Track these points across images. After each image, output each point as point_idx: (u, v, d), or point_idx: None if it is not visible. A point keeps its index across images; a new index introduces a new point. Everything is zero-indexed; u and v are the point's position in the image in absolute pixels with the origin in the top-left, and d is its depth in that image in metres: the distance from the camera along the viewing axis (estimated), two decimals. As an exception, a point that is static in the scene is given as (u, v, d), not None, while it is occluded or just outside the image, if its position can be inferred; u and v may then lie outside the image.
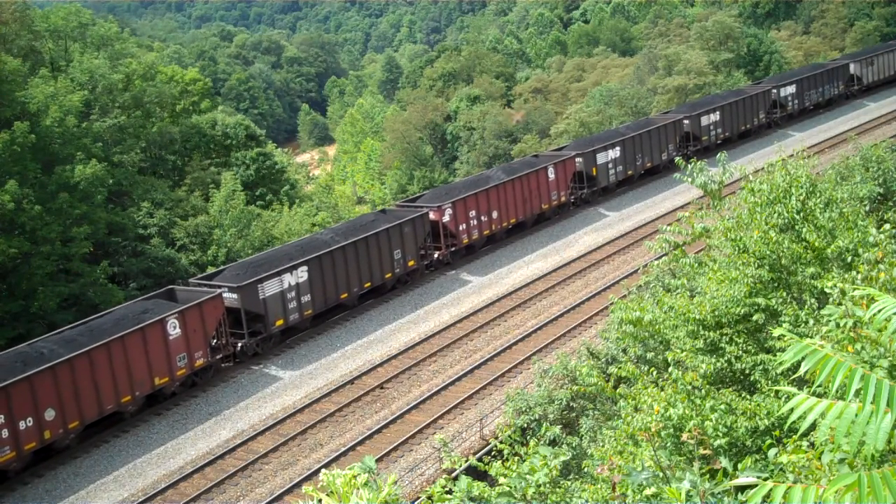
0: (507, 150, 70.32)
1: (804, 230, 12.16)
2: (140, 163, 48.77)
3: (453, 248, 37.33)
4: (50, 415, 24.07)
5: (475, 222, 37.78)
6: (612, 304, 14.40)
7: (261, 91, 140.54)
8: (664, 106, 64.04)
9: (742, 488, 4.40)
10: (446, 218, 36.63)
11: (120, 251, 42.07)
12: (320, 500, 4.39)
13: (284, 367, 29.95)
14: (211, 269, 38.36)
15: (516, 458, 8.70)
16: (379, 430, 25.21)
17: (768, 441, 9.80)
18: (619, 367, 12.69)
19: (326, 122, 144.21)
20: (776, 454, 5.35)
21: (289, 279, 30.45)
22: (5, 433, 23.08)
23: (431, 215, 36.33)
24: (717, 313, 12.07)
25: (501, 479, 5.75)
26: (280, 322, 30.31)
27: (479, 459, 11.30)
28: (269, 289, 29.83)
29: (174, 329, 27.15)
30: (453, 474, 18.71)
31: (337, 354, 30.63)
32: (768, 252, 11.99)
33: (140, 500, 22.86)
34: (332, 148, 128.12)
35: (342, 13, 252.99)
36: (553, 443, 15.98)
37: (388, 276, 34.30)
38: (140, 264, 42.07)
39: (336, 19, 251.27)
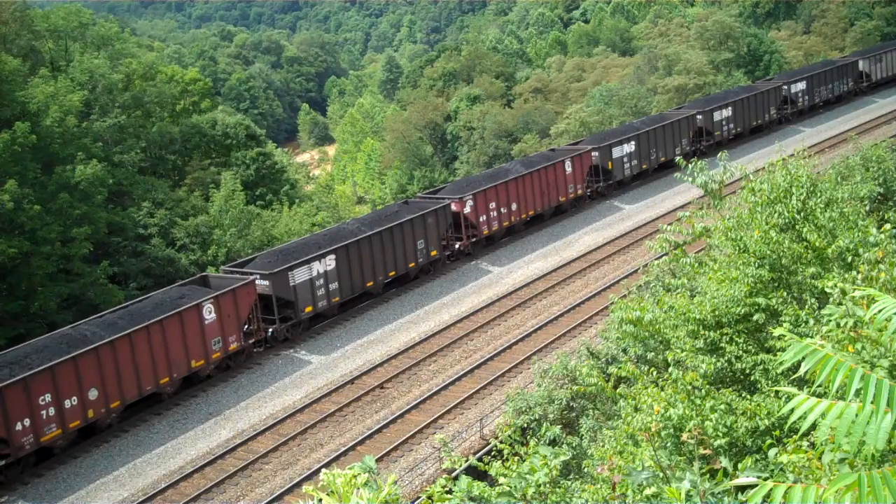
0: (507, 150, 70.32)
1: (804, 230, 12.15)
2: (140, 163, 48.77)
3: (474, 239, 38.13)
4: (93, 394, 24.96)
5: (495, 214, 38.62)
6: (612, 303, 14.39)
7: (261, 91, 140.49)
8: (664, 106, 64.11)
9: (742, 488, 4.40)
10: (467, 209, 37.46)
11: (120, 251, 42.08)
12: (321, 500, 4.39)
13: (286, 364, 29.96)
14: (211, 269, 38.48)
15: (516, 458, 8.70)
16: (379, 430, 25.21)
17: (768, 441, 9.81)
18: (619, 367, 12.67)
19: (326, 122, 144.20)
20: (776, 454, 5.35)
21: (318, 267, 31.23)
22: (52, 411, 23.94)
23: (453, 206, 37.09)
24: (717, 313, 12.06)
25: (501, 479, 5.74)
26: (309, 308, 31.09)
27: (479, 459, 11.29)
28: (299, 276, 30.60)
29: (210, 314, 28.00)
30: (453, 474, 18.71)
31: (337, 354, 30.65)
32: (769, 252, 11.98)
33: (140, 500, 22.86)
34: (332, 148, 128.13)
35: (342, 13, 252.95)
36: (553, 443, 15.96)
37: (412, 265, 35.06)
38: (140, 264, 42.08)
39: (336, 19, 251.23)
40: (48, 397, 23.80)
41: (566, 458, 6.00)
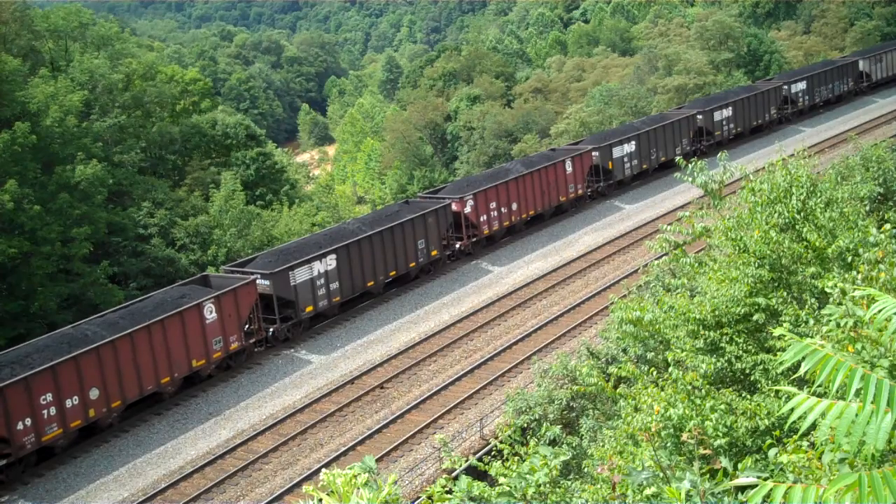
0: (507, 150, 70.31)
1: (805, 230, 12.15)
2: (140, 163, 48.78)
3: (474, 239, 38.22)
4: (94, 394, 25.06)
5: (496, 213, 38.74)
6: (612, 303, 14.39)
7: (261, 91, 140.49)
8: (665, 106, 64.14)
9: (742, 488, 4.39)
10: (468, 209, 37.57)
11: (120, 251, 42.08)
12: (321, 500, 4.39)
13: (286, 364, 29.96)
14: (211, 269, 38.51)
15: (516, 458, 8.70)
16: (379, 430, 25.21)
17: (768, 441, 9.81)
18: (619, 367, 12.67)
19: (326, 122, 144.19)
20: (776, 454, 5.35)
21: (318, 267, 31.35)
22: (53, 411, 24.04)
23: (454, 206, 37.18)
24: (717, 313, 12.06)
25: (501, 479, 5.74)
26: (310, 308, 31.21)
27: (479, 459, 11.30)
28: (300, 276, 30.71)
29: (210, 313, 28.10)
30: (453, 474, 18.71)
31: (337, 354, 30.65)
32: (769, 252, 11.98)
33: (140, 500, 22.86)
34: (332, 148, 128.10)
35: (342, 13, 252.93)
36: (553, 443, 15.96)
37: (412, 265, 35.16)
38: (140, 264, 42.08)
39: (336, 19, 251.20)
40: (49, 397, 23.90)
41: (566, 458, 6.00)
